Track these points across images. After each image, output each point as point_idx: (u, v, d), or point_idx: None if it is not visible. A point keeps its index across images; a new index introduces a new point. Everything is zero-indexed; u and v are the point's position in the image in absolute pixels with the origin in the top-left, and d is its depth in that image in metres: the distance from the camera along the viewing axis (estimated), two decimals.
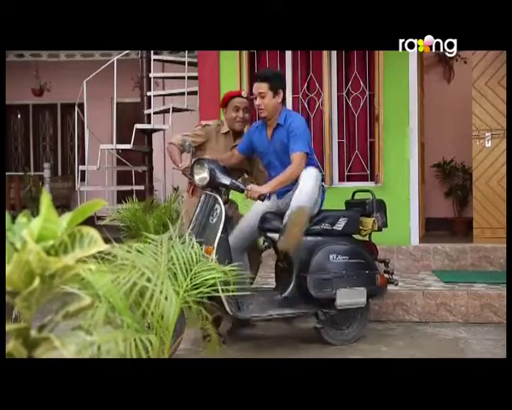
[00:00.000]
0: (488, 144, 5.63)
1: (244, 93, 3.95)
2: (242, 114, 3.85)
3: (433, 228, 6.48)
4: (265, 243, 3.80)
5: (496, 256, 5.13)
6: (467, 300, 4.33)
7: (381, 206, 3.87)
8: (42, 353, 1.29)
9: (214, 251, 3.23)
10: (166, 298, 2.13)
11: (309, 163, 3.57)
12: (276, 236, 3.52)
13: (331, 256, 3.60)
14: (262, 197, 3.35)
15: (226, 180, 3.39)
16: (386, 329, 4.16)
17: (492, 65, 5.62)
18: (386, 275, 3.85)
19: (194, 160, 3.57)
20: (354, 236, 3.83)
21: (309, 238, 3.53)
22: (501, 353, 3.42)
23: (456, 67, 7.42)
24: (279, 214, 3.57)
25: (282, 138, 3.53)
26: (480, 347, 3.69)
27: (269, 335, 3.95)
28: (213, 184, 3.40)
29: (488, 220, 5.60)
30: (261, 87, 3.53)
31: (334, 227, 3.65)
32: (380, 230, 3.85)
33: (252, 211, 3.73)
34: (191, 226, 3.41)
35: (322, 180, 3.67)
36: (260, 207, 3.65)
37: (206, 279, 2.37)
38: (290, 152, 3.46)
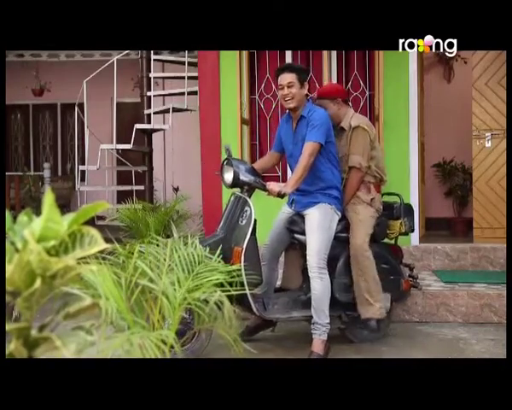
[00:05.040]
0: (488, 144, 5.63)
1: (314, 95, 3.91)
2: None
3: (433, 228, 6.48)
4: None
5: (496, 256, 5.13)
6: (467, 300, 4.33)
7: (408, 210, 3.90)
8: (42, 353, 1.29)
9: (243, 252, 3.28)
10: (168, 299, 2.14)
11: (326, 171, 3.56)
12: (302, 237, 3.56)
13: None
14: (281, 195, 3.37)
15: (248, 179, 3.43)
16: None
17: (492, 65, 5.62)
18: (410, 279, 3.89)
19: (223, 160, 3.62)
20: None
21: (335, 243, 3.55)
22: (501, 353, 3.42)
23: (456, 67, 7.42)
24: (302, 216, 3.62)
25: (303, 130, 3.51)
26: (480, 347, 3.69)
27: (269, 335, 3.95)
28: (237, 183, 3.47)
29: (488, 220, 5.60)
30: (289, 77, 3.48)
31: None
32: (406, 234, 3.91)
33: (277, 220, 3.77)
34: (220, 226, 3.47)
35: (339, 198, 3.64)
36: (283, 216, 3.73)
37: (210, 280, 2.37)
38: (305, 141, 3.45)
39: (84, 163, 7.30)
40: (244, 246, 3.31)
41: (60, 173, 10.19)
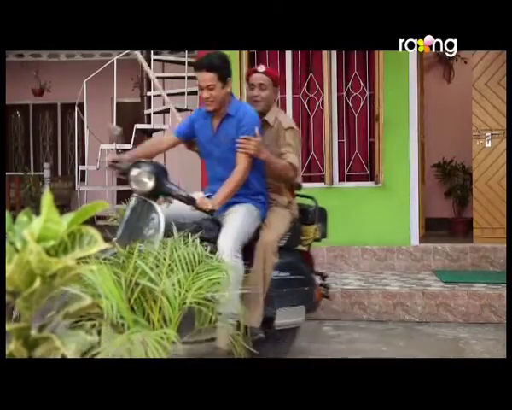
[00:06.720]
0: (488, 144, 5.63)
1: (261, 68, 3.46)
2: (258, 91, 3.36)
3: (433, 228, 6.49)
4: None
5: (496, 256, 5.13)
6: (467, 300, 4.33)
7: (322, 214, 3.56)
8: (42, 353, 1.29)
9: None
10: (168, 298, 2.14)
11: (252, 182, 3.19)
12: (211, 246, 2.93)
13: (273, 273, 3.19)
14: (213, 212, 2.91)
15: (173, 189, 2.88)
16: (386, 329, 4.16)
17: (492, 65, 5.62)
18: (321, 288, 3.55)
19: (133, 162, 2.99)
20: None
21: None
22: (501, 353, 3.42)
23: (456, 67, 7.42)
24: (217, 222, 3.13)
25: (231, 131, 3.11)
26: (480, 347, 3.70)
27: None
28: (158, 192, 2.88)
29: (488, 220, 5.60)
30: (209, 79, 3.06)
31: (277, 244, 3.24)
32: (319, 240, 3.56)
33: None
34: (117, 238, 2.77)
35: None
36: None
37: (210, 279, 2.36)
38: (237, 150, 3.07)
39: (84, 163, 7.30)
40: None
41: (60, 173, 10.19)
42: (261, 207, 3.24)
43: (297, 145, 3.37)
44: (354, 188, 5.58)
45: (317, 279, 3.59)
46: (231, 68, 3.21)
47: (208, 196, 3.05)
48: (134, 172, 2.89)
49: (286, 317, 3.28)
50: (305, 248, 3.54)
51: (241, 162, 3.05)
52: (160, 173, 2.89)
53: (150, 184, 2.85)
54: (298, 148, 3.39)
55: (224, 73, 3.09)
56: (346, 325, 4.32)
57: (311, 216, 3.51)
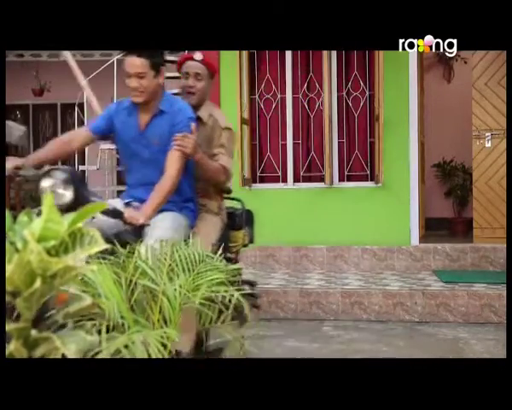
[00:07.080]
0: (488, 144, 5.64)
1: (198, 56, 3.14)
2: (193, 81, 3.05)
3: (433, 228, 6.49)
4: None
5: (496, 256, 5.14)
6: (467, 300, 4.33)
7: (249, 218, 3.29)
8: (42, 353, 1.29)
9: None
10: (168, 298, 2.14)
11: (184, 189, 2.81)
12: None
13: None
14: (143, 226, 2.53)
15: (96, 202, 2.42)
16: (387, 329, 4.16)
17: (492, 65, 5.63)
18: (250, 298, 3.12)
19: (41, 169, 2.60)
20: None
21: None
22: (501, 353, 3.43)
23: (456, 67, 7.43)
24: (140, 233, 2.60)
25: (162, 129, 2.73)
26: (480, 347, 3.70)
27: (270, 334, 3.95)
28: (78, 206, 2.28)
29: (488, 220, 5.61)
30: (140, 65, 2.72)
31: None
32: (247, 245, 3.27)
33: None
34: None
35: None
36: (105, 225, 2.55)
37: (211, 279, 2.35)
38: (169, 149, 2.66)
39: (84, 163, 7.31)
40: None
41: None
42: (191, 215, 2.87)
43: (231, 147, 3.08)
44: (354, 188, 5.59)
45: (246, 288, 3.13)
46: (164, 57, 2.92)
47: (128, 203, 2.74)
48: (46, 182, 2.42)
49: (218, 336, 2.85)
50: (232, 256, 3.17)
51: (173, 165, 2.64)
52: (78, 182, 2.45)
53: (68, 196, 2.40)
54: (231, 150, 3.09)
55: (157, 60, 2.78)
56: (346, 324, 4.33)
57: (239, 220, 3.21)
